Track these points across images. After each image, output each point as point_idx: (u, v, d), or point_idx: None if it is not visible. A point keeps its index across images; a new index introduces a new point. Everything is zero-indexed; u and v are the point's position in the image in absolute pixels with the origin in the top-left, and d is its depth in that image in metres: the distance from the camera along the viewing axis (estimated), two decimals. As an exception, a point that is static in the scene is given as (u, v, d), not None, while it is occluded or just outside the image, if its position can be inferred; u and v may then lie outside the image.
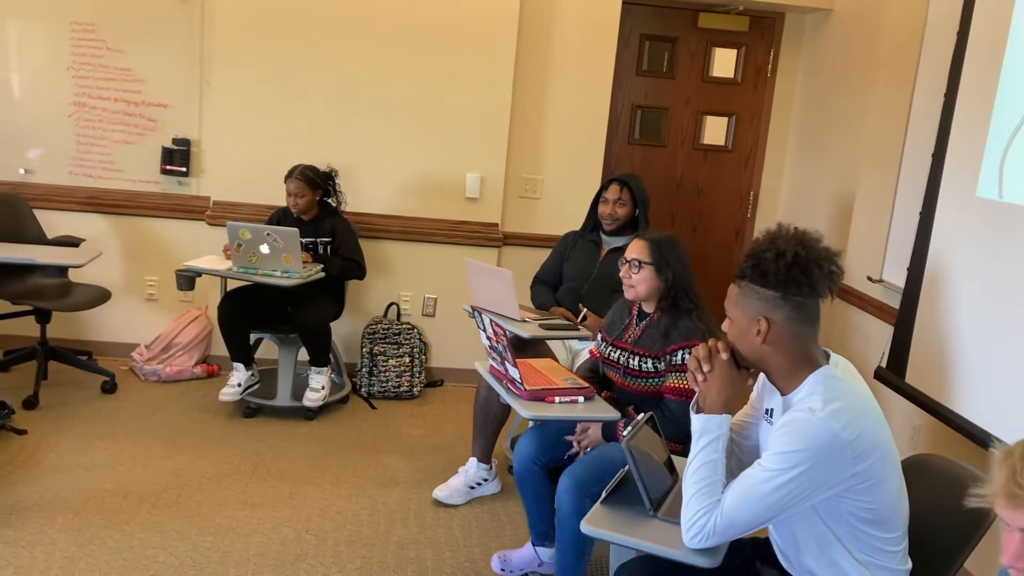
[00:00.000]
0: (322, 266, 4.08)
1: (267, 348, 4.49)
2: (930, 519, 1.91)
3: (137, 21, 4.52)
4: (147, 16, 4.52)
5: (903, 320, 3.29)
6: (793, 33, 5.05)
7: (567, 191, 4.76)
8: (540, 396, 2.60)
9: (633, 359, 2.73)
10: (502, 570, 2.93)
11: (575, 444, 2.72)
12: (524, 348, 3.40)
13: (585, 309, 3.59)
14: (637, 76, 5.05)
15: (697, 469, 1.82)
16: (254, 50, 4.48)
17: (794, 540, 1.86)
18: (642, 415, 2.07)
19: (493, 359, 2.77)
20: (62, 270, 4.24)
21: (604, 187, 3.74)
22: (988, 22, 2.91)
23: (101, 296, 4.24)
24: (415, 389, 4.61)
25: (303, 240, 4.00)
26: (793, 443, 1.70)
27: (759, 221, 5.23)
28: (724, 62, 5.11)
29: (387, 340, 4.61)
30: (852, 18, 4.52)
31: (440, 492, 3.43)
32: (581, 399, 2.64)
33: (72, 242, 4.40)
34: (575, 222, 3.93)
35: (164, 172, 4.64)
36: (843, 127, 4.48)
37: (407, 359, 4.60)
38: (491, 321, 2.63)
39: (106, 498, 3.22)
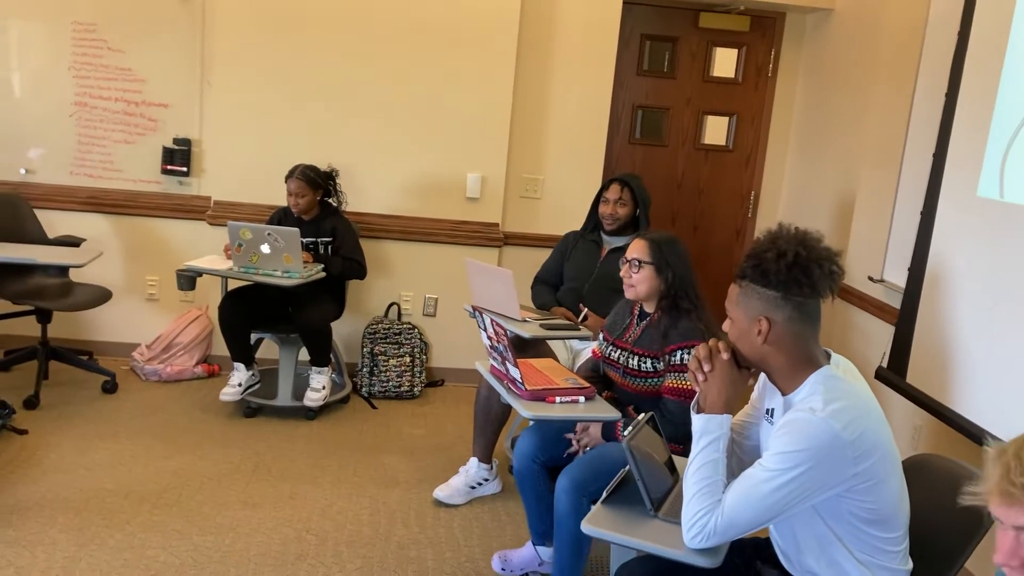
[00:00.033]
0: (323, 266, 4.08)
1: (268, 348, 4.49)
2: (931, 519, 1.91)
3: (138, 21, 4.52)
4: (148, 16, 4.52)
5: (904, 320, 3.29)
6: (794, 33, 5.04)
7: (568, 191, 4.75)
8: (541, 396, 2.60)
9: (633, 359, 2.73)
10: (503, 570, 2.93)
11: (574, 443, 2.72)
12: (525, 348, 3.40)
13: (586, 309, 3.59)
14: (638, 76, 5.05)
15: (698, 469, 1.82)
16: (255, 50, 4.48)
17: (795, 540, 1.86)
18: (643, 415, 2.07)
19: (494, 359, 2.77)
20: (63, 270, 4.24)
21: (605, 187, 3.74)
22: (989, 22, 2.91)
23: (102, 296, 4.24)
24: (416, 389, 4.61)
25: (304, 240, 4.00)
26: (794, 443, 1.70)
27: (760, 221, 5.23)
28: (725, 62, 5.11)
29: (388, 340, 4.61)
30: (853, 18, 4.52)
31: (441, 492, 3.43)
32: (582, 399, 2.64)
33: (73, 242, 4.40)
34: (576, 222, 3.93)
35: (165, 172, 4.65)
36: (844, 127, 4.48)
37: (408, 359, 4.60)
38: (492, 321, 2.63)
39: (107, 498, 3.23)
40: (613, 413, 2.60)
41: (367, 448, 3.91)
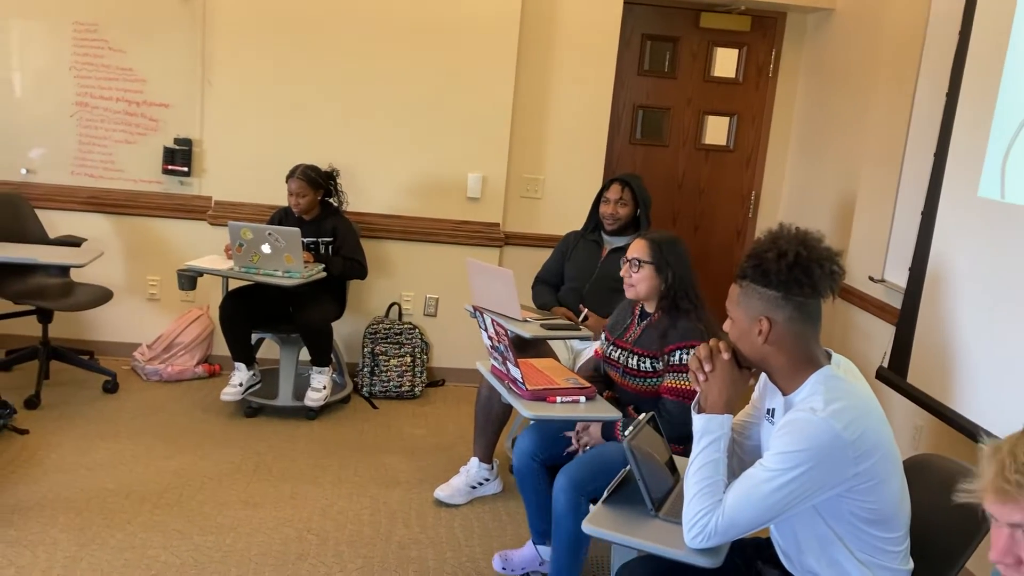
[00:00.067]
0: (323, 266, 4.08)
1: (268, 348, 4.49)
2: (932, 519, 1.91)
3: (139, 21, 4.52)
4: (149, 16, 4.52)
5: (905, 320, 3.29)
6: (795, 33, 5.04)
7: (568, 191, 4.75)
8: (542, 396, 2.60)
9: (632, 359, 2.73)
10: (503, 569, 2.94)
11: (574, 442, 2.73)
12: (525, 348, 3.40)
13: (586, 309, 3.59)
14: (638, 76, 5.05)
15: (699, 469, 1.82)
16: (256, 50, 4.48)
17: (796, 540, 1.86)
18: (643, 415, 2.07)
19: (495, 359, 2.77)
20: (64, 270, 4.25)
21: (605, 187, 3.75)
22: (990, 22, 2.91)
23: (103, 296, 4.24)
24: (416, 389, 4.61)
25: (304, 240, 4.00)
26: (795, 443, 1.70)
27: (760, 221, 5.22)
28: (726, 62, 5.11)
29: (388, 340, 4.61)
30: (854, 18, 4.52)
31: (441, 492, 3.43)
32: (582, 399, 2.64)
33: (74, 242, 4.41)
34: (576, 222, 3.93)
35: (166, 172, 4.65)
36: (845, 127, 4.48)
37: (408, 359, 4.60)
38: (493, 321, 2.64)
39: (108, 498, 3.23)
40: (613, 413, 2.60)
41: (368, 448, 3.91)
